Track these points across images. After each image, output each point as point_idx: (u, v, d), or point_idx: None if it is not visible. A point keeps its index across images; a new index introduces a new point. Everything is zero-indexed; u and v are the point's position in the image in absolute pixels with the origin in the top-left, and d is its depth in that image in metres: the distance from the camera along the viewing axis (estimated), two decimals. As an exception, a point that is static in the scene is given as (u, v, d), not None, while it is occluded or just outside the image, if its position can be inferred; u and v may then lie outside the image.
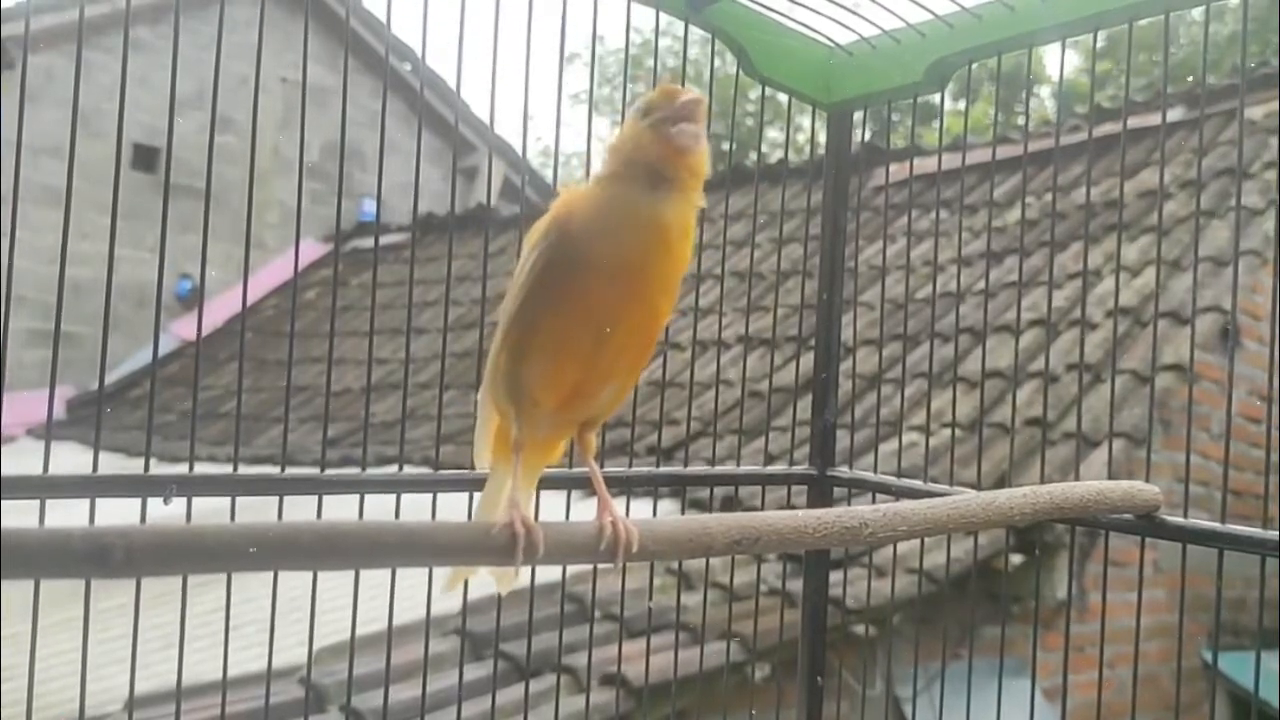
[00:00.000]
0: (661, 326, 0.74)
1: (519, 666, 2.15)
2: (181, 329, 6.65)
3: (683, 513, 1.46)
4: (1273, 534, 0.87)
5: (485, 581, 0.88)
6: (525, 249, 0.74)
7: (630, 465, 1.16)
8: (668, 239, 0.69)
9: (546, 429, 0.77)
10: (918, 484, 1.18)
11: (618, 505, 0.74)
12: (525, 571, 0.86)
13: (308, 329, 6.19)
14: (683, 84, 1.26)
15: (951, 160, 2.73)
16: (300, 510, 0.85)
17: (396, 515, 0.92)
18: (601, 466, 0.81)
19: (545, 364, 0.71)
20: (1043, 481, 0.97)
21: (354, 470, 0.98)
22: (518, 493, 0.72)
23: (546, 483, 0.92)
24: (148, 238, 5.80)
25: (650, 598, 1.76)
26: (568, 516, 0.96)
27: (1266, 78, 3.75)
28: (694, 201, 0.71)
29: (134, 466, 0.88)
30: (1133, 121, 4.05)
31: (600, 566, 1.11)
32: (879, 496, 1.18)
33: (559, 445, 0.82)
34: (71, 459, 0.91)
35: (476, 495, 0.99)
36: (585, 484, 0.99)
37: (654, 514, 1.47)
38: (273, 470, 0.95)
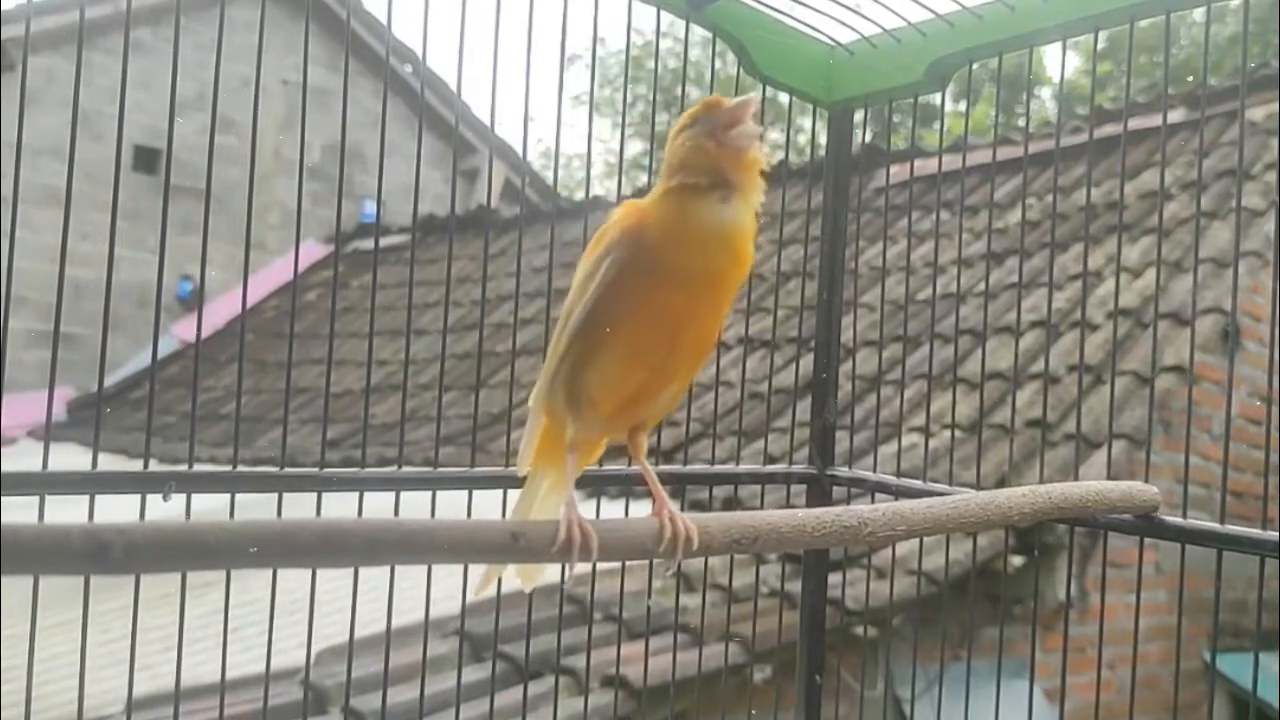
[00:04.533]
0: (721, 329, 0.77)
1: (519, 668, 2.15)
2: (182, 330, 6.65)
3: (682, 511, 1.46)
4: (1272, 535, 0.87)
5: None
6: (586, 260, 0.75)
7: (630, 465, 1.16)
8: (742, 247, 0.72)
9: (599, 432, 0.79)
10: (917, 484, 1.18)
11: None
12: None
13: (308, 330, 6.19)
14: (683, 85, 1.27)
15: (952, 161, 2.73)
16: (300, 509, 0.85)
17: (396, 513, 0.92)
18: (656, 465, 0.82)
19: (614, 370, 0.73)
20: (1043, 483, 0.97)
21: (353, 468, 0.98)
22: (572, 493, 0.73)
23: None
24: (148, 239, 5.82)
25: (650, 599, 1.75)
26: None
27: (1267, 79, 3.74)
28: (757, 203, 0.73)
29: (134, 468, 0.88)
30: (1134, 123, 4.05)
31: (602, 567, 1.10)
32: (878, 496, 1.18)
33: (600, 448, 0.84)
34: (71, 460, 0.91)
35: (476, 493, 1.00)
36: (585, 483, 0.99)
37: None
38: (272, 468, 0.95)
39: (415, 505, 0.92)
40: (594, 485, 1.06)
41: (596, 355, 0.73)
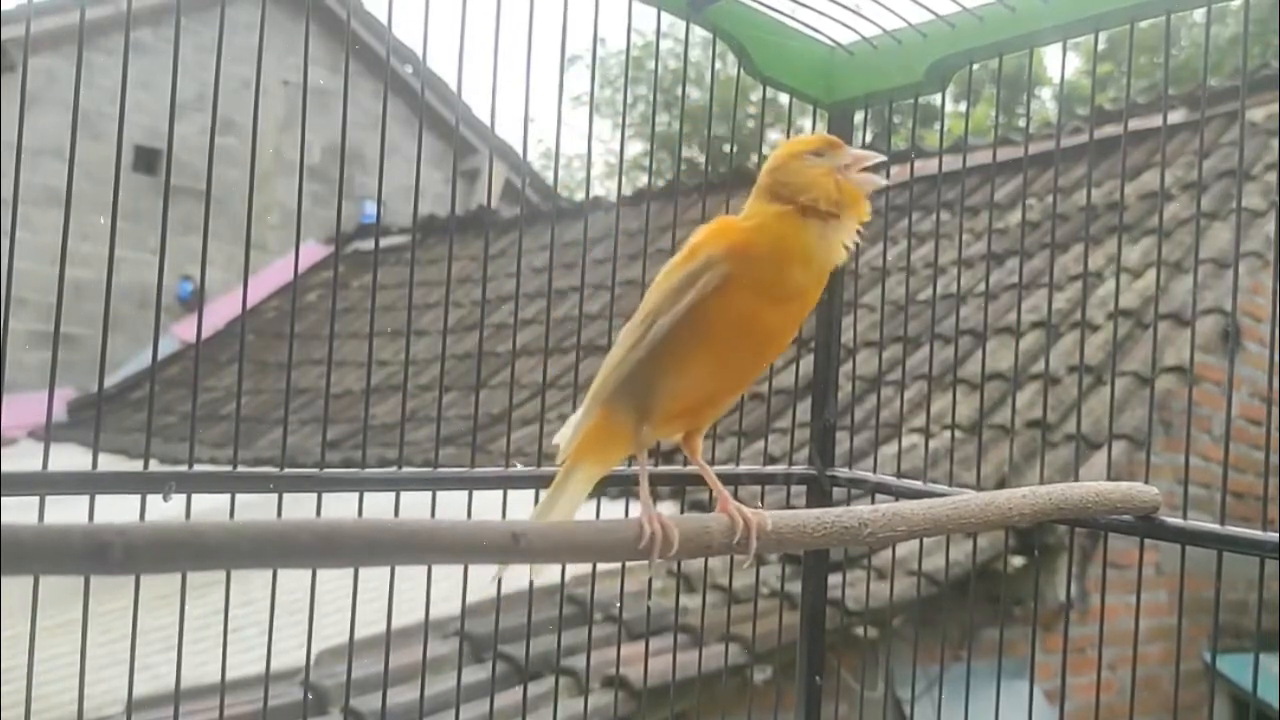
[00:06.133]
0: None
1: (519, 668, 2.15)
2: (182, 331, 6.65)
3: (682, 513, 1.46)
4: (1272, 536, 0.87)
5: (486, 583, 0.88)
6: (676, 270, 0.76)
7: (630, 465, 1.16)
8: (830, 271, 0.77)
9: (659, 435, 0.81)
10: (917, 484, 1.18)
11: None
12: (523, 571, 0.86)
13: (308, 331, 6.19)
14: (684, 85, 1.27)
15: (953, 162, 2.72)
16: (300, 510, 0.85)
17: (396, 514, 0.92)
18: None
19: (696, 377, 0.75)
20: (1043, 484, 0.97)
21: (353, 469, 0.98)
22: (647, 493, 0.75)
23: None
24: (149, 239, 5.81)
25: (650, 600, 1.76)
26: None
27: (1267, 79, 3.74)
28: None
29: (134, 468, 0.88)
30: (1134, 123, 4.05)
31: (602, 568, 1.10)
32: (879, 497, 1.17)
33: (627, 450, 0.85)
34: (72, 460, 0.91)
35: (476, 494, 0.99)
36: (615, 482, 0.98)
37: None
38: (272, 469, 0.94)
39: (415, 506, 0.92)
40: (624, 485, 1.05)
41: (681, 362, 0.75)
